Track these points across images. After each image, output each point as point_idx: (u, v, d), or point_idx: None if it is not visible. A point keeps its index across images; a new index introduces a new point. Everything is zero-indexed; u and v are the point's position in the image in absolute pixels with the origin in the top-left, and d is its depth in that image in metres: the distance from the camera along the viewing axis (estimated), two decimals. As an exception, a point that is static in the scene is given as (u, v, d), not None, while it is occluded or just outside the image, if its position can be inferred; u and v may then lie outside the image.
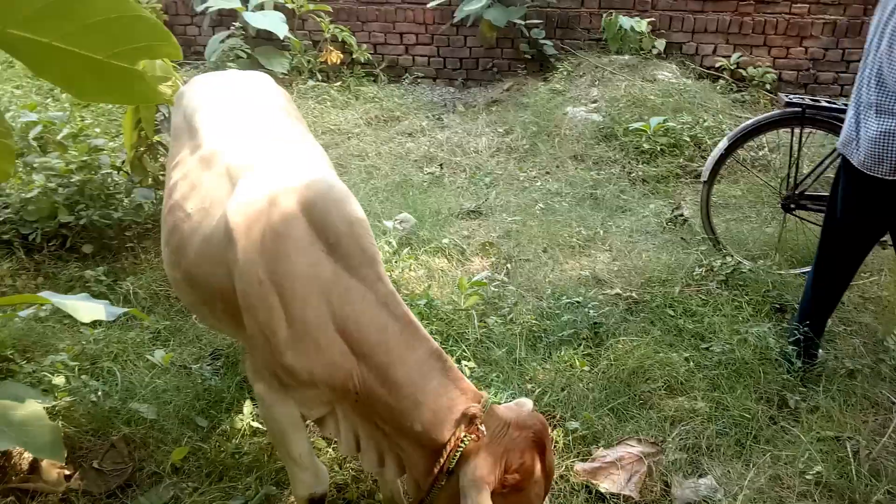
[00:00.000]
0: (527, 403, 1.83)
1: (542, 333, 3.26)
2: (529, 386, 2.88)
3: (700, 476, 2.45)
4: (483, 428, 1.69)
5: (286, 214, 1.75)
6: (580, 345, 3.15)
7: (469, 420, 1.69)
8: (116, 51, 1.23)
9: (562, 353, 3.08)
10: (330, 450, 2.55)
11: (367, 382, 1.74)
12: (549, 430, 1.75)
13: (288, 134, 2.20)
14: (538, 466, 1.69)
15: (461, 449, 1.67)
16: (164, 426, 2.59)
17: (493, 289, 3.62)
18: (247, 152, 2.02)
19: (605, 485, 2.38)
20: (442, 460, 1.69)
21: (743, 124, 3.81)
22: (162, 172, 3.95)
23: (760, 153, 5.24)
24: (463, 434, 1.68)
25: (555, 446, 2.51)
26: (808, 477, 2.36)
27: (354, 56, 7.07)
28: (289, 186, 1.80)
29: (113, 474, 2.42)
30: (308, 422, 1.98)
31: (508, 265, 3.99)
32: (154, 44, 1.25)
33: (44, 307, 3.08)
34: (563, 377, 2.93)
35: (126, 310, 2.62)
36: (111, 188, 3.92)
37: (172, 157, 2.33)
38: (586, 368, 2.97)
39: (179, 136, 2.36)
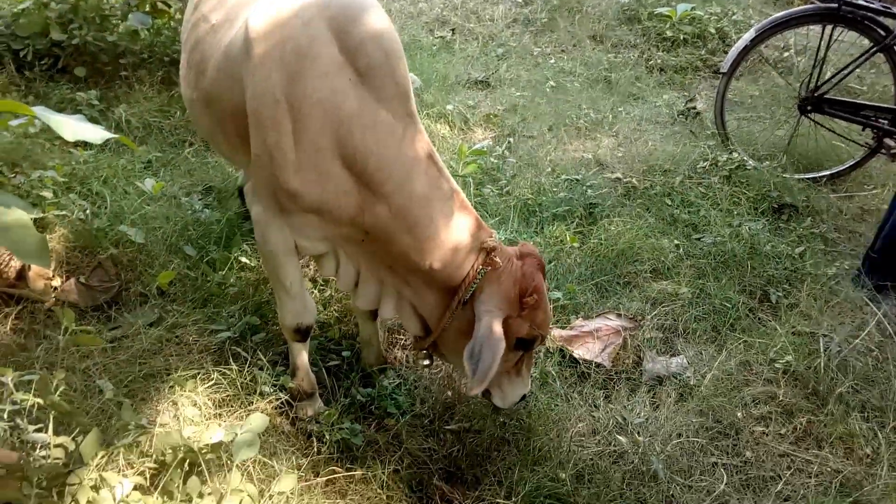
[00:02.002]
0: None
1: (537, 208, 3.24)
2: (518, 255, 2.88)
3: (673, 355, 2.51)
4: (498, 260, 1.74)
5: (315, 33, 1.60)
6: (573, 222, 3.14)
7: (486, 253, 1.75)
8: None
9: (553, 229, 3.07)
10: (315, 291, 2.58)
11: (381, 219, 1.70)
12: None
13: None
14: (543, 284, 1.79)
15: (477, 281, 1.74)
16: (152, 251, 2.59)
17: (492, 160, 3.56)
18: None
19: (580, 352, 2.44)
20: (460, 293, 1.75)
21: (773, 16, 3.63)
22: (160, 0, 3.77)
23: (785, 55, 5.04)
24: (479, 267, 1.74)
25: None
26: (777, 365, 2.42)
27: None
28: (320, 2, 1.64)
29: (99, 290, 2.45)
30: (304, 258, 1.97)
31: (511, 139, 3.91)
32: None
33: (35, 123, 3.01)
34: (552, 251, 2.94)
35: (114, 135, 2.54)
36: (106, 9, 3.73)
37: None
38: (576, 245, 2.98)
39: None
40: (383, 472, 1.90)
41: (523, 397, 1.98)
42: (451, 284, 1.77)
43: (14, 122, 2.54)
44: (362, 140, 1.63)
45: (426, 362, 2.11)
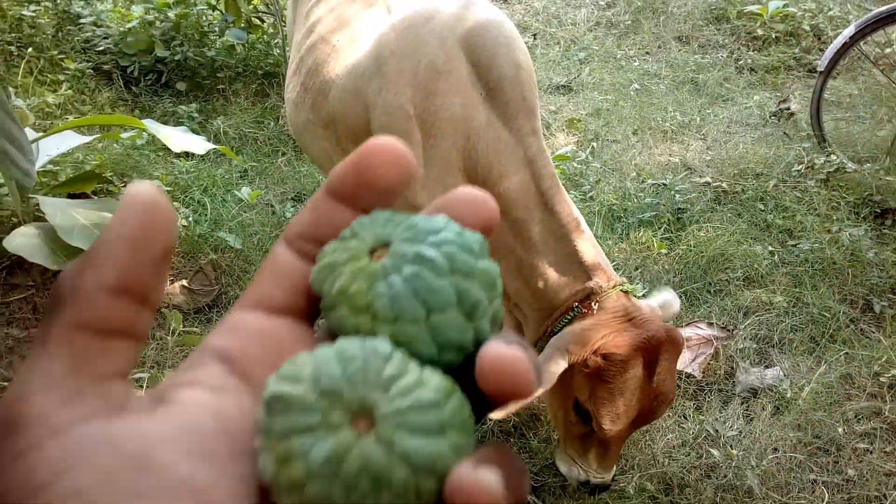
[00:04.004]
0: (672, 304, 1.71)
1: (622, 213, 3.20)
2: (603, 261, 2.86)
3: (767, 366, 2.43)
4: (596, 307, 1.57)
5: (449, 49, 1.59)
6: (661, 228, 3.08)
7: (587, 295, 1.60)
8: None
9: (640, 235, 3.03)
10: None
11: (501, 233, 1.65)
12: (678, 349, 1.56)
13: None
14: (636, 370, 1.49)
15: (568, 318, 1.60)
16: (249, 256, 2.72)
17: (575, 165, 3.54)
18: None
19: (669, 361, 2.38)
20: (548, 322, 1.65)
21: (875, 10, 3.45)
22: (255, 14, 3.94)
23: (887, 51, 4.77)
24: (575, 304, 1.60)
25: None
26: (882, 379, 2.30)
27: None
28: (455, 17, 1.63)
29: (200, 293, 2.58)
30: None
31: (594, 144, 3.87)
32: None
33: (142, 135, 3.21)
34: (638, 257, 2.90)
35: (216, 146, 2.69)
36: (205, 27, 3.93)
37: None
38: (664, 251, 2.92)
39: None
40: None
41: (586, 484, 1.72)
42: (550, 313, 1.67)
43: (125, 135, 2.72)
44: (485, 154, 1.62)
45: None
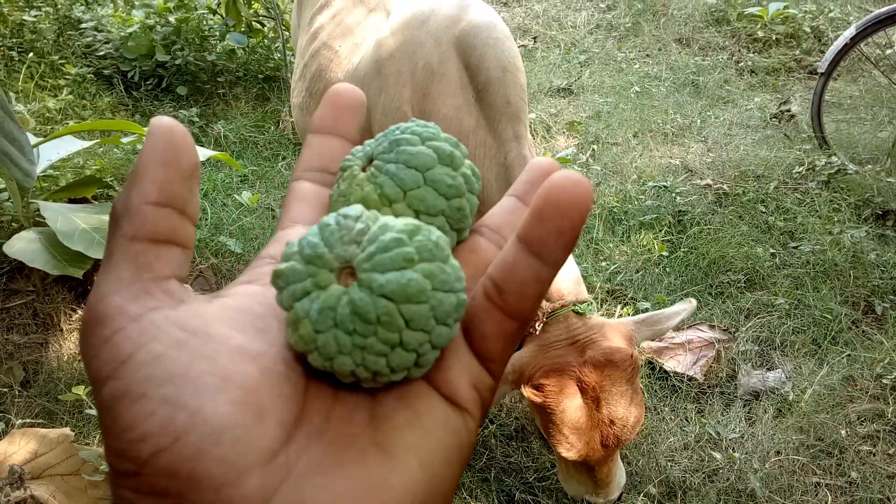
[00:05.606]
0: (665, 320, 1.66)
1: (623, 216, 3.19)
2: (604, 264, 2.86)
3: (769, 369, 2.42)
4: (539, 328, 1.53)
5: (444, 50, 1.61)
6: (661, 230, 3.07)
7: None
8: None
9: (641, 237, 3.02)
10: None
11: None
12: (623, 372, 1.48)
13: None
14: (573, 399, 1.45)
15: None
16: (249, 261, 2.71)
17: (576, 168, 3.53)
18: None
19: (671, 364, 2.38)
20: None
21: (876, 11, 3.44)
22: (255, 18, 3.94)
23: (888, 52, 4.76)
24: None
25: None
26: (884, 381, 2.29)
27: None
28: (450, 18, 1.64)
29: (201, 298, 2.58)
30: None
31: (595, 146, 3.87)
32: None
33: (142, 140, 3.21)
34: (639, 260, 2.89)
35: (214, 153, 2.69)
36: (206, 31, 3.93)
37: (314, 2, 2.17)
38: (665, 254, 2.91)
39: None
40: (471, 481, 1.92)
41: (584, 502, 1.70)
42: None
43: (125, 140, 2.71)
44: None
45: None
